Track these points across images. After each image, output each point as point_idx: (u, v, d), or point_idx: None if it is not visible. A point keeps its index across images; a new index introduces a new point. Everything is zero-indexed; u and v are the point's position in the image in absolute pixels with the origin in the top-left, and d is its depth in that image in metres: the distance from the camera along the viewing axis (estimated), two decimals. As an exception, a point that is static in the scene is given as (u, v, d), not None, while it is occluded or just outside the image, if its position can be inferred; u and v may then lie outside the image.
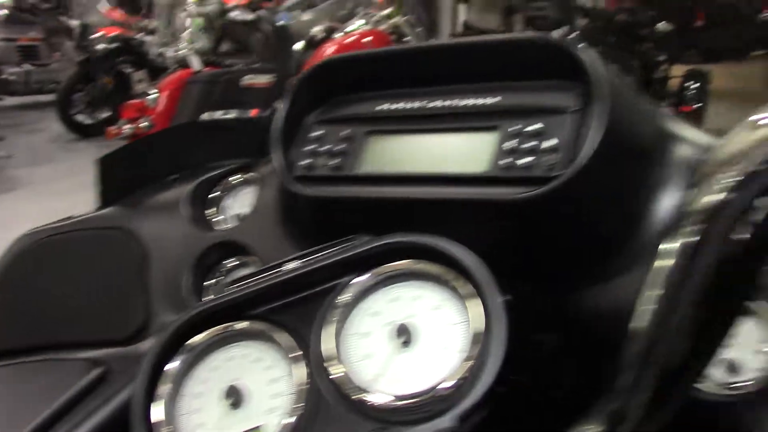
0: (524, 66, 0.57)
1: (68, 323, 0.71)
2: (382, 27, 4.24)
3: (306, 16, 4.79)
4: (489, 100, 0.58)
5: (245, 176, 0.76)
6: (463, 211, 0.56)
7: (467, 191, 0.55)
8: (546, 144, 0.53)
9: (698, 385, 0.50)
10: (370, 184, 0.60)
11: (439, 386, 0.44)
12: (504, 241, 0.54)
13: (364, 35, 4.09)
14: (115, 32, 6.71)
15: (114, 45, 6.60)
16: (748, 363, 0.50)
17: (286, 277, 0.52)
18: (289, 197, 0.64)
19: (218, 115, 4.11)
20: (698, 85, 6.37)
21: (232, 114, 4.11)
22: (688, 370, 0.43)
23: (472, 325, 0.46)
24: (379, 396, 0.45)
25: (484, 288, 0.47)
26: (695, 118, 6.53)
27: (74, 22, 7.17)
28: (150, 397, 0.48)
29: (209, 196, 0.77)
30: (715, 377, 0.51)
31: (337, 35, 4.17)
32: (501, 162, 0.54)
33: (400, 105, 0.62)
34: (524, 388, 0.54)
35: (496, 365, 0.44)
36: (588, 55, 0.53)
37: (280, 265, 0.53)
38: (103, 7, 7.37)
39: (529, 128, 0.54)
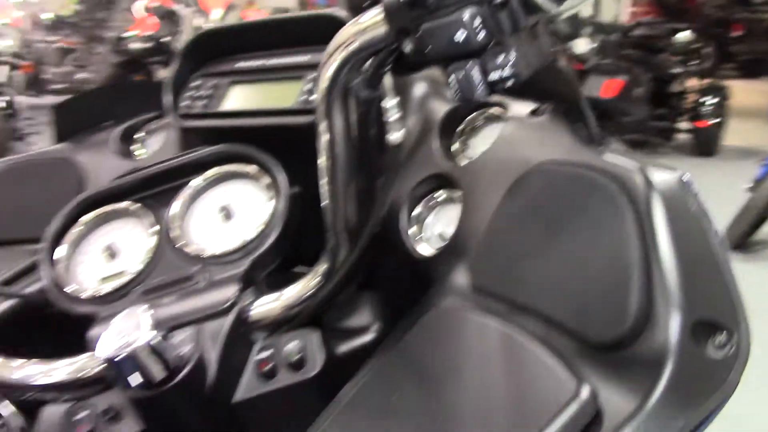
0: (324, 34, 0.80)
1: (21, 226, 0.95)
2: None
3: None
4: (299, 59, 0.81)
5: (161, 122, 1.00)
6: (278, 132, 0.78)
7: (279, 120, 0.78)
8: None
9: (419, 249, 0.71)
10: (228, 118, 0.83)
11: (244, 241, 0.68)
12: (304, 150, 0.76)
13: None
14: (148, 32, 7.12)
15: (148, 45, 7.01)
16: (449, 233, 0.70)
17: (149, 172, 0.75)
18: (180, 131, 0.88)
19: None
20: (716, 100, 6.21)
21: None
22: (361, 220, 0.65)
23: (273, 206, 0.70)
24: (201, 248, 0.72)
25: (279, 183, 0.71)
26: (713, 134, 6.43)
27: (111, 34, 7.62)
28: (55, 245, 0.75)
29: (134, 136, 1.00)
30: (432, 243, 0.72)
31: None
32: (301, 99, 0.77)
33: (250, 63, 0.85)
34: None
35: (279, 227, 0.70)
36: None
37: (152, 167, 0.77)
38: (138, 13, 7.76)
39: None
